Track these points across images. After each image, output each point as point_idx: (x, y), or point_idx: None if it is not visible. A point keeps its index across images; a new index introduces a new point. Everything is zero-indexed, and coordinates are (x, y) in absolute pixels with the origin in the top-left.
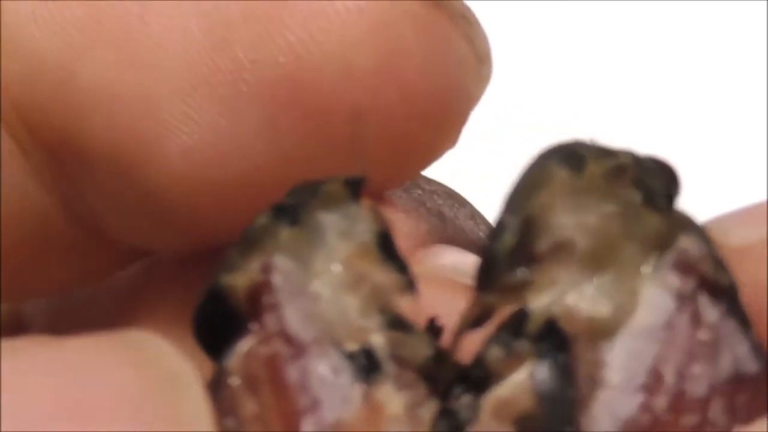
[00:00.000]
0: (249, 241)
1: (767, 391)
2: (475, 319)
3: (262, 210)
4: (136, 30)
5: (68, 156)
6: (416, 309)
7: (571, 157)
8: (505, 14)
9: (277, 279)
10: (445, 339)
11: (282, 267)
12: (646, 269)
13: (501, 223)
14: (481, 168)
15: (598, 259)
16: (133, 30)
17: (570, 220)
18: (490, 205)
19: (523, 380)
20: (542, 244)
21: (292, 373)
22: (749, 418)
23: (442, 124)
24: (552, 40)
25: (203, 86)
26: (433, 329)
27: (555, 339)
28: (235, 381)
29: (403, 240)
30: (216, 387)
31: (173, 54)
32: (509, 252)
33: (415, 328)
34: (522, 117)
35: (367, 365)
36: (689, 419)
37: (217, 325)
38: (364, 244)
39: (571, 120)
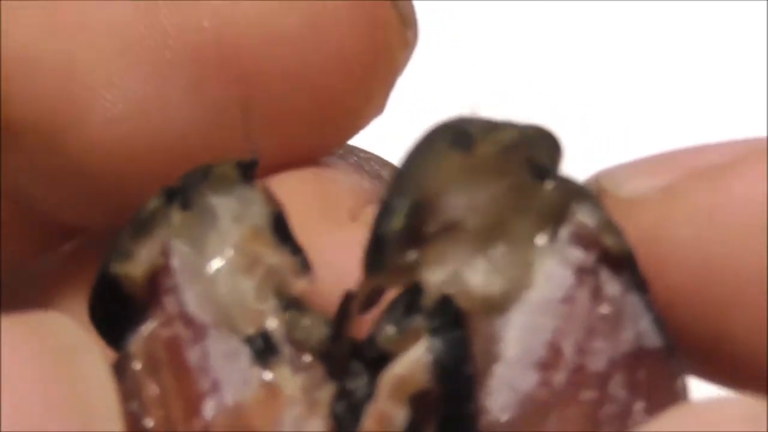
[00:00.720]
0: (141, 225)
1: (667, 365)
2: (365, 301)
3: (153, 194)
4: None
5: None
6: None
7: (461, 137)
8: (505, 14)
9: (175, 262)
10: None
11: (179, 250)
12: (541, 241)
13: (389, 204)
14: None
15: (489, 235)
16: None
17: (461, 201)
18: None
19: (419, 356)
20: (432, 225)
21: (192, 355)
22: (650, 393)
23: (367, 87)
24: (552, 39)
25: (127, 52)
26: (347, 301)
27: (449, 314)
28: (137, 364)
29: (349, 196)
30: (119, 371)
31: (97, 20)
32: (398, 234)
33: (310, 310)
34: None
35: (264, 348)
36: (588, 394)
37: (114, 311)
38: (258, 227)
39: (571, 120)
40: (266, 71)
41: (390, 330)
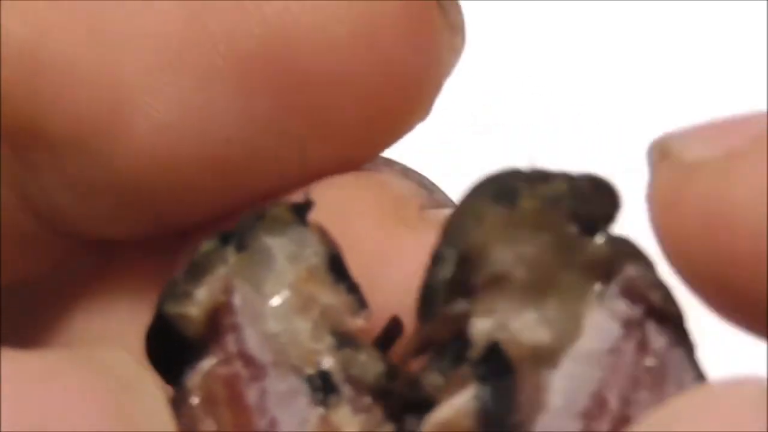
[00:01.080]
0: (196, 267)
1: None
2: (417, 349)
3: (208, 237)
4: (107, 6)
5: (30, 142)
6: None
7: (504, 192)
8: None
9: (236, 300)
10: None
11: (240, 289)
12: (591, 296)
13: (438, 254)
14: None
15: (538, 287)
16: (103, 6)
17: (506, 254)
18: None
19: (465, 403)
20: (480, 277)
21: (251, 393)
22: None
23: (415, 93)
24: (552, 40)
25: (176, 61)
26: (394, 326)
27: (497, 361)
28: (195, 400)
29: (410, 198)
30: (177, 406)
31: (145, 29)
32: (447, 283)
33: (366, 347)
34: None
35: (323, 388)
36: None
37: (170, 349)
38: (313, 267)
39: (570, 119)
40: (316, 78)
41: (436, 377)
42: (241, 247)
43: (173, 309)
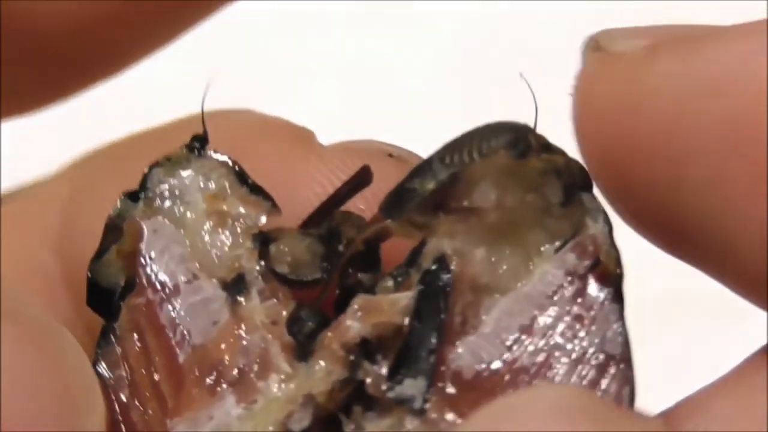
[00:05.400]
0: (111, 228)
1: (620, 371)
2: (372, 236)
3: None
4: None
5: None
6: None
7: (520, 143)
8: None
9: (145, 238)
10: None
11: (149, 228)
12: (548, 253)
13: (430, 165)
14: None
15: (501, 233)
16: None
17: (491, 194)
18: None
19: (402, 298)
20: (457, 201)
21: (162, 314)
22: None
23: None
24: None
25: None
26: (364, 173)
27: (440, 273)
28: (119, 331)
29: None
30: (103, 344)
31: None
32: (425, 194)
33: (284, 235)
34: None
35: (235, 288)
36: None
37: (104, 299)
38: (222, 188)
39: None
40: None
41: (388, 281)
42: (146, 198)
43: (97, 270)
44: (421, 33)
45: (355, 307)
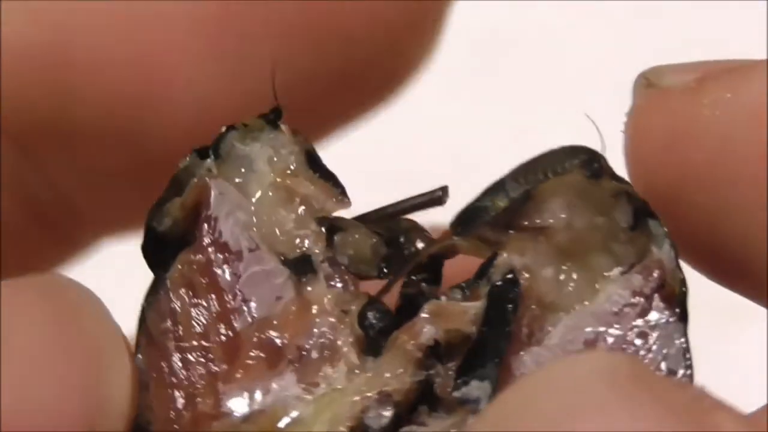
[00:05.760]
0: (177, 181)
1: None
2: (439, 251)
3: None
4: None
5: (45, 138)
6: None
7: (594, 164)
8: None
9: (213, 198)
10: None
11: (218, 187)
12: (614, 275)
13: (503, 184)
14: None
15: (569, 255)
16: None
17: (562, 214)
18: None
19: (470, 306)
20: (528, 220)
21: (223, 276)
22: None
23: (401, 48)
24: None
25: (214, 39)
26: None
27: (510, 287)
28: (172, 286)
29: None
30: (152, 294)
31: (176, 12)
32: (498, 211)
33: (351, 226)
34: None
35: (302, 268)
36: None
37: (159, 249)
38: (291, 164)
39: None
40: (297, 29)
41: (456, 292)
42: (217, 158)
43: (156, 216)
44: None
45: (427, 311)
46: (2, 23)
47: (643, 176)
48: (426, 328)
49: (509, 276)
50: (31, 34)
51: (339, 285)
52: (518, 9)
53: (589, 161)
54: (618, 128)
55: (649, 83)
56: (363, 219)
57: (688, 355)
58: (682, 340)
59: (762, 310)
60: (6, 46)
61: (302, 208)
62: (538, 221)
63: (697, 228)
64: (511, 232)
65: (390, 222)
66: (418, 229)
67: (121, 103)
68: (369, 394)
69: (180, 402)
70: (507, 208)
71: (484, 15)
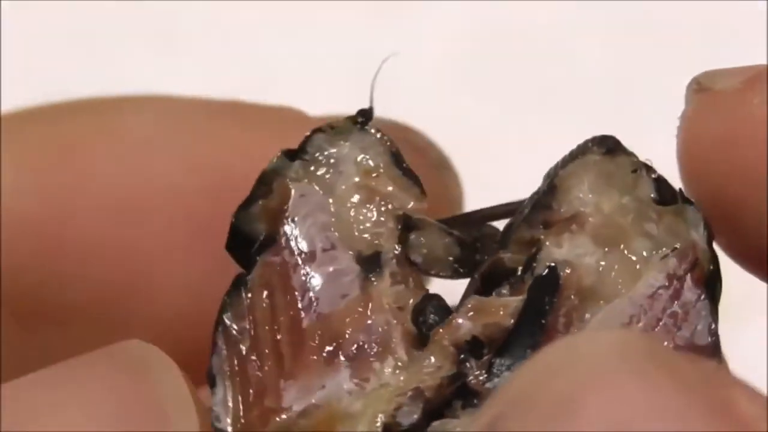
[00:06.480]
0: (263, 180)
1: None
2: (488, 268)
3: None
4: (126, 187)
5: (41, 315)
6: None
7: (608, 140)
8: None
9: (293, 199)
10: None
11: (297, 191)
12: (654, 261)
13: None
14: None
15: (607, 239)
16: (119, 185)
17: (589, 198)
18: None
19: (511, 300)
20: (559, 212)
21: (296, 276)
22: None
23: None
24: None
25: (195, 232)
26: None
27: (550, 279)
28: (249, 283)
29: None
30: (233, 294)
31: (162, 208)
32: (527, 210)
33: (428, 225)
34: None
35: (369, 265)
36: None
37: (243, 247)
38: (377, 165)
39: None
40: None
41: (504, 287)
42: (304, 160)
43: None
44: (432, 28)
45: (468, 306)
46: (5, 195)
47: (697, 179)
48: (462, 322)
49: (549, 268)
50: (31, 207)
51: (401, 283)
52: (518, 9)
53: (603, 139)
54: (620, 129)
55: (701, 87)
56: (448, 222)
57: (713, 331)
58: (710, 317)
59: (762, 310)
60: (7, 216)
61: (382, 207)
62: (567, 210)
63: (752, 228)
64: (546, 228)
65: (473, 227)
66: (496, 236)
67: (109, 288)
68: (406, 391)
69: (250, 398)
70: (536, 202)
71: (485, 15)
